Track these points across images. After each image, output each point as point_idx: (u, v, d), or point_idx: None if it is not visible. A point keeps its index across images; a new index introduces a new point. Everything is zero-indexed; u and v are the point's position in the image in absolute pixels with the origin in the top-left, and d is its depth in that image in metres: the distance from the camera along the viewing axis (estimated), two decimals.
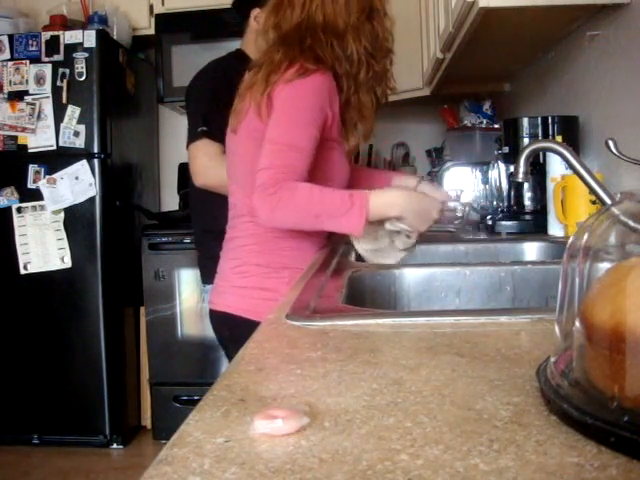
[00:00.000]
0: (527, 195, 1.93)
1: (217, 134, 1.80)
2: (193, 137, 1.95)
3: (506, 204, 1.98)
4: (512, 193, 1.96)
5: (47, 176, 3.06)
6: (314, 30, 1.41)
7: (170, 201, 3.77)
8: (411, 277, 1.25)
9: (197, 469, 0.39)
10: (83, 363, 3.08)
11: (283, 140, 1.32)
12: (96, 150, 3.06)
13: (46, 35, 3.06)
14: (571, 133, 1.87)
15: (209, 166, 1.91)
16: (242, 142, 1.46)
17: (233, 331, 1.49)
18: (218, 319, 1.57)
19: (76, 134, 3.05)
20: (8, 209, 3.07)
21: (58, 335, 3.09)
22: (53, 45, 3.04)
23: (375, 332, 0.74)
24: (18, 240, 3.07)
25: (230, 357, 1.50)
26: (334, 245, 1.65)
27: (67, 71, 3.03)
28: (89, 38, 3.03)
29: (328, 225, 1.33)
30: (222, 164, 1.69)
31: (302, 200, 1.29)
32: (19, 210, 3.08)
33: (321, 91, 1.37)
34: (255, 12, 2.04)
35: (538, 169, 1.85)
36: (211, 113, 1.88)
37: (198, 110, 1.97)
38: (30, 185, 3.07)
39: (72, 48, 3.04)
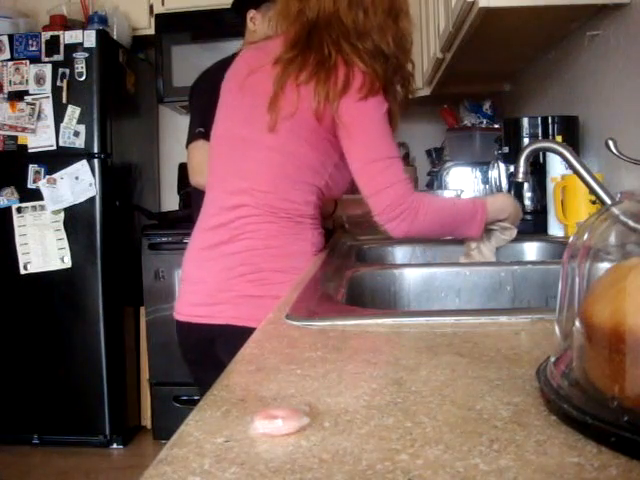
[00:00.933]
0: (527, 195, 1.93)
1: None
2: (191, 138, 1.96)
3: None
4: (512, 193, 1.96)
5: (47, 176, 3.06)
6: (342, 26, 1.35)
7: (170, 201, 3.77)
8: (411, 277, 1.25)
9: (197, 469, 0.39)
10: (83, 363, 3.09)
11: (388, 154, 1.31)
12: (96, 150, 3.06)
13: (46, 35, 3.06)
14: (571, 133, 1.87)
15: (205, 166, 1.91)
16: (287, 141, 1.35)
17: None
18: (220, 333, 1.38)
19: (76, 134, 3.05)
20: (8, 209, 3.08)
21: (58, 335, 3.09)
22: (53, 45, 3.04)
23: (375, 332, 0.74)
24: (18, 240, 3.07)
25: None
26: (333, 245, 1.65)
27: (67, 71, 3.03)
28: (89, 38, 3.03)
29: (457, 232, 1.44)
30: None
31: (437, 211, 1.35)
32: (19, 210, 3.08)
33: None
34: (251, 14, 2.05)
35: (538, 169, 1.85)
36: (211, 114, 1.89)
37: (198, 110, 1.98)
38: (30, 185, 3.07)
39: (72, 48, 3.04)
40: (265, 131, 1.34)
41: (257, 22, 2.03)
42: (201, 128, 1.92)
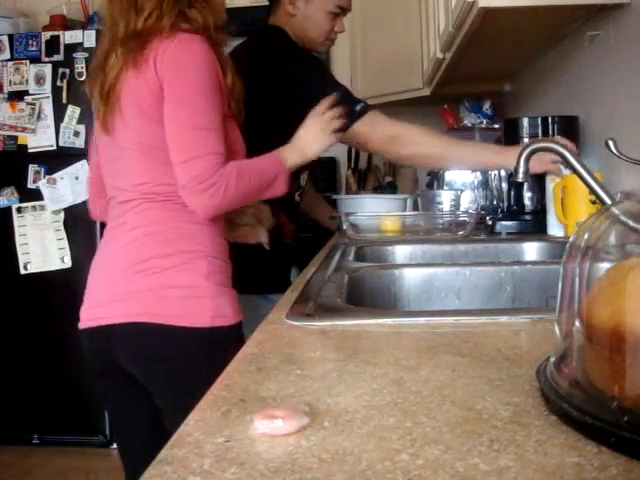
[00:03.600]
0: (527, 195, 1.93)
1: None
2: None
3: (506, 204, 1.98)
4: (512, 193, 1.96)
5: (47, 176, 3.06)
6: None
7: None
8: (411, 277, 1.25)
9: (197, 469, 0.39)
10: (83, 363, 3.08)
11: (202, 124, 1.23)
12: None
13: (46, 35, 3.06)
14: (571, 133, 1.87)
15: None
16: (140, 127, 1.30)
17: (163, 345, 1.24)
18: (114, 333, 1.26)
19: (76, 134, 3.05)
20: (8, 209, 3.07)
21: (58, 335, 3.08)
22: (53, 45, 3.04)
23: (375, 332, 0.74)
24: (18, 240, 3.07)
25: (178, 380, 1.25)
26: (333, 244, 1.65)
27: (67, 71, 3.03)
28: (89, 38, 3.03)
29: (264, 197, 1.36)
30: None
31: (245, 181, 1.26)
32: (19, 210, 3.08)
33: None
34: None
35: None
36: None
37: None
38: (30, 185, 3.07)
39: (72, 48, 3.04)
40: (120, 126, 1.30)
41: (299, 5, 1.83)
42: None
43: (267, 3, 1.95)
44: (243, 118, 1.39)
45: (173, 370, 1.25)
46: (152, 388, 1.29)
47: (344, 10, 1.88)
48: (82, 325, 1.33)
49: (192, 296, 1.24)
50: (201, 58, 1.25)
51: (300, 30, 1.85)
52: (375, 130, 1.76)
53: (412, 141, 1.80)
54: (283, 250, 1.89)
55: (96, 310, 1.29)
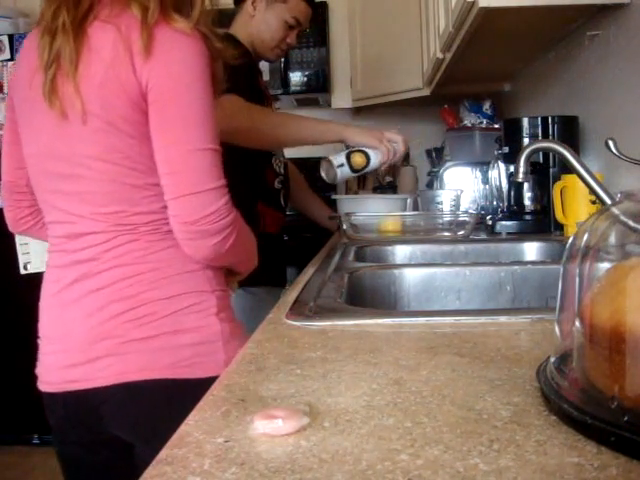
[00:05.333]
0: (527, 195, 1.93)
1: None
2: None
3: (506, 204, 1.98)
4: (512, 193, 1.96)
5: None
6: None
7: None
8: (411, 277, 1.25)
9: (197, 469, 0.39)
10: None
11: (205, 143, 0.99)
12: None
13: None
14: (571, 133, 1.87)
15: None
16: (108, 142, 1.02)
17: (174, 406, 0.89)
18: (107, 397, 1.02)
19: None
20: None
21: None
22: None
23: (375, 332, 0.74)
24: (18, 240, 3.07)
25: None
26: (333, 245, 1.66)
27: None
28: None
29: (246, 265, 1.17)
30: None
31: (246, 237, 1.09)
32: None
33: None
34: None
35: (538, 169, 1.85)
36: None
37: None
38: None
39: None
40: (75, 134, 1.02)
41: (259, 7, 1.92)
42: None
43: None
44: None
45: None
46: (153, 453, 1.05)
47: (300, 24, 1.96)
48: (50, 389, 1.07)
49: (204, 342, 1.03)
50: (196, 54, 0.99)
51: (256, 32, 1.92)
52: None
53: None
54: (262, 241, 1.88)
55: (69, 371, 1.03)
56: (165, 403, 1.01)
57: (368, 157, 1.69)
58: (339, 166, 1.67)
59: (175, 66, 0.97)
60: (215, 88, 1.05)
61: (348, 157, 1.68)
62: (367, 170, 1.73)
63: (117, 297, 1.01)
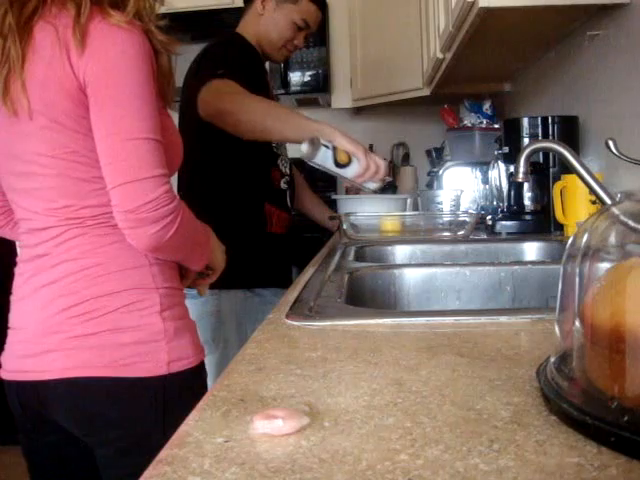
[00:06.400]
0: (527, 195, 1.93)
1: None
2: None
3: (506, 204, 1.98)
4: (512, 193, 1.96)
5: None
6: None
7: None
8: (411, 277, 1.25)
9: (197, 469, 0.39)
10: None
11: (145, 133, 0.99)
12: None
13: None
14: (571, 133, 1.87)
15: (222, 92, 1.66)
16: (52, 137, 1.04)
17: (111, 404, 1.03)
18: (52, 391, 1.04)
19: None
20: None
21: None
22: None
23: (375, 332, 0.74)
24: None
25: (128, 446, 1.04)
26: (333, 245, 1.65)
27: None
28: None
29: (189, 259, 1.14)
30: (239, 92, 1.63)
31: (192, 225, 1.08)
32: None
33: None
34: None
35: (538, 169, 1.85)
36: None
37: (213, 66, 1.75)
38: None
39: None
40: (21, 134, 1.05)
41: (268, 7, 1.92)
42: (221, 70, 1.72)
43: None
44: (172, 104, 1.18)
45: (124, 434, 1.04)
46: (98, 450, 1.08)
47: (308, 26, 1.96)
48: (6, 376, 1.11)
49: (145, 340, 1.03)
50: (133, 47, 0.99)
51: (264, 31, 1.92)
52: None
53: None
54: (269, 241, 1.88)
55: (23, 362, 1.06)
56: (105, 400, 1.03)
57: (351, 160, 1.66)
58: (325, 146, 1.62)
59: (110, 58, 0.99)
60: (162, 80, 1.07)
61: (334, 148, 1.65)
62: (344, 172, 1.67)
63: (65, 292, 1.03)
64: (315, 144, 1.61)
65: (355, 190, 3.39)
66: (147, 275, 1.06)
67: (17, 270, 1.13)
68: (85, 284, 1.02)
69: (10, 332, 1.12)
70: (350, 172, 1.67)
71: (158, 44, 1.07)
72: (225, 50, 1.85)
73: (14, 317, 1.12)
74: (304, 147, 1.62)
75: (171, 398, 1.04)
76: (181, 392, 1.04)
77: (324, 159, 1.63)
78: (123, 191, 0.98)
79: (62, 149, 1.02)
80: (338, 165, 1.64)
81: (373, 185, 1.73)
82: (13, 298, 1.13)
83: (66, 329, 1.02)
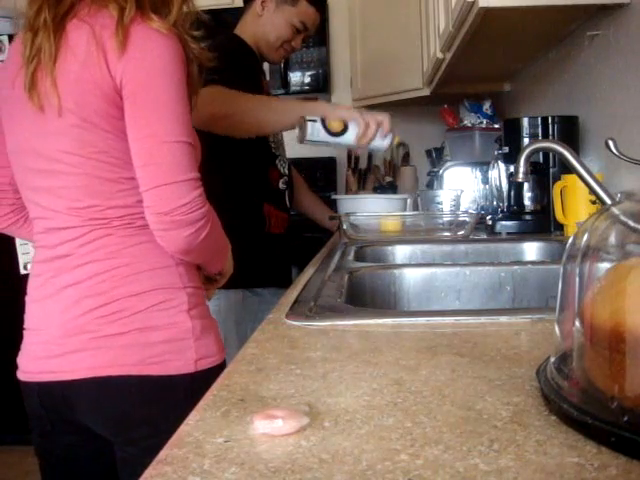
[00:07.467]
0: (527, 195, 1.93)
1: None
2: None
3: (506, 204, 1.98)
4: (512, 193, 1.96)
5: None
6: None
7: None
8: (411, 277, 1.25)
9: (197, 469, 0.39)
10: None
11: (180, 136, 1.00)
12: None
13: None
14: (571, 133, 1.87)
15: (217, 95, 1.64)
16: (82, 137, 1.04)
17: (140, 403, 1.04)
18: (79, 391, 1.04)
19: None
20: None
21: None
22: None
23: (375, 332, 0.74)
24: (18, 240, 3.07)
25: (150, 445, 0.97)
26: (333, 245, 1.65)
27: None
28: None
29: (211, 264, 1.16)
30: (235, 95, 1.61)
31: (218, 230, 1.10)
32: None
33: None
34: None
35: (538, 169, 1.85)
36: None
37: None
38: None
39: None
40: (50, 131, 1.04)
41: (267, 8, 1.91)
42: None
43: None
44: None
45: (153, 432, 1.01)
46: (125, 449, 1.08)
47: (306, 29, 1.95)
48: (26, 377, 1.12)
49: (175, 339, 1.04)
50: (170, 52, 1.01)
51: (261, 32, 1.92)
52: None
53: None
54: (268, 241, 1.88)
55: (47, 362, 1.06)
56: (134, 399, 1.03)
57: (346, 124, 1.61)
58: (312, 121, 1.56)
59: (149, 62, 0.99)
60: (191, 89, 1.08)
61: (323, 120, 1.60)
62: (344, 139, 1.61)
63: (91, 292, 1.03)
64: (302, 125, 1.59)
65: (355, 190, 3.39)
66: (175, 275, 1.06)
67: (33, 271, 1.12)
68: (113, 284, 1.03)
69: (27, 333, 1.12)
70: (351, 137, 1.63)
71: (190, 52, 1.07)
72: (219, 55, 1.85)
73: (32, 318, 1.11)
74: (297, 136, 1.61)
75: (198, 396, 1.02)
76: (206, 390, 1.03)
77: (316, 133, 1.59)
78: (158, 193, 0.98)
79: (91, 148, 1.01)
80: (334, 135, 1.61)
81: (383, 143, 1.67)
82: (29, 299, 1.12)
83: (93, 329, 1.02)
